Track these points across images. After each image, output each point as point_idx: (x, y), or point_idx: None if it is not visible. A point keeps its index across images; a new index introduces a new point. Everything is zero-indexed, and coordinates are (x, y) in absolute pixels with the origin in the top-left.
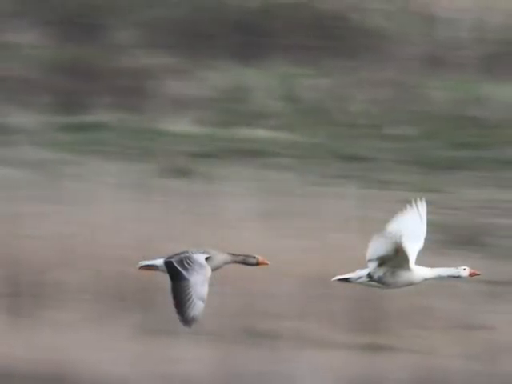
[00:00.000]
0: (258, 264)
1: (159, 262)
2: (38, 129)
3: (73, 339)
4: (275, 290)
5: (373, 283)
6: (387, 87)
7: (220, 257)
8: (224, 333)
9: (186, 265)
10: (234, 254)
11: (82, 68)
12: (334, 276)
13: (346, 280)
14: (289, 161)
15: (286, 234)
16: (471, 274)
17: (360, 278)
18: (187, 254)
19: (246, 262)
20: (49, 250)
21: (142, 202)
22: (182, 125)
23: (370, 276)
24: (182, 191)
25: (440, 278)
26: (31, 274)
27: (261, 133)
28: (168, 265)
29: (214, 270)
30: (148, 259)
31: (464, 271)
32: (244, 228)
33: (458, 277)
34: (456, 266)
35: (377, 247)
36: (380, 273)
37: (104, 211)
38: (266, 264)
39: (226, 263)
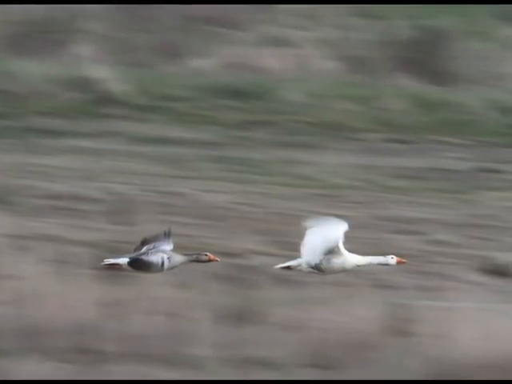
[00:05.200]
0: (209, 260)
1: (123, 260)
2: None
3: None
4: None
5: (311, 270)
6: None
7: (177, 258)
8: None
9: (147, 253)
10: (187, 254)
11: None
12: None
13: (288, 268)
14: None
15: None
16: (398, 262)
17: (299, 265)
18: (150, 251)
19: (198, 259)
20: None
21: None
22: None
23: (308, 264)
24: None
25: (370, 265)
26: None
27: None
28: (134, 261)
29: (171, 268)
30: None
31: (392, 260)
32: None
33: (386, 264)
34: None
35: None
36: (317, 260)
37: None
38: (216, 260)
39: (183, 263)
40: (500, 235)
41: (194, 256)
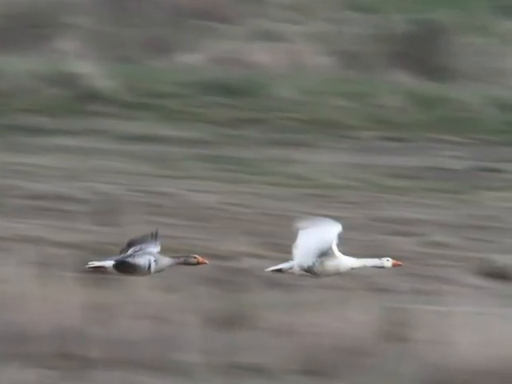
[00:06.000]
0: (198, 263)
1: (108, 263)
2: None
3: None
4: None
5: (304, 273)
6: None
7: (164, 260)
8: None
9: (133, 255)
10: (175, 257)
11: None
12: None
13: (279, 271)
14: None
15: None
16: (394, 265)
17: (291, 268)
18: (136, 253)
19: (187, 262)
20: None
21: None
22: None
23: (300, 266)
24: None
25: (365, 268)
26: None
27: None
28: (120, 264)
29: (158, 271)
30: None
31: (387, 262)
32: None
33: (382, 267)
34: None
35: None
36: (309, 263)
37: None
38: (205, 263)
39: (170, 265)
40: (500, 237)
41: (182, 258)
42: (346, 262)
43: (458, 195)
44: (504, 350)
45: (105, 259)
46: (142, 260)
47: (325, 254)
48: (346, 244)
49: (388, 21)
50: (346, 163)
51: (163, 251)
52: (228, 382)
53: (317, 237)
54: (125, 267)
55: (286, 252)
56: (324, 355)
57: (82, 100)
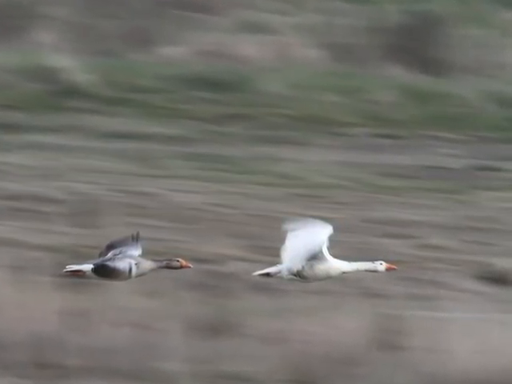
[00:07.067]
0: (181, 267)
1: (87, 267)
2: None
3: None
4: None
5: (293, 277)
6: None
7: (145, 264)
8: None
9: (113, 258)
10: (158, 260)
11: None
12: None
13: (267, 275)
14: None
15: None
16: (388, 269)
17: (280, 272)
18: (116, 257)
19: (169, 265)
20: None
21: None
22: None
23: (289, 270)
24: None
25: (357, 272)
26: None
27: None
28: (99, 267)
29: (139, 276)
30: None
31: (381, 266)
32: None
33: (375, 271)
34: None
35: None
36: (299, 267)
37: None
38: (189, 267)
39: (152, 269)
40: (499, 239)
41: (165, 262)
42: (337, 265)
43: (456, 195)
44: (504, 358)
45: (83, 263)
46: (122, 264)
47: (315, 257)
48: (338, 247)
49: (382, 12)
50: (338, 162)
51: (145, 254)
52: None
53: (306, 239)
54: (104, 271)
55: (274, 255)
56: (314, 364)
57: (59, 95)
